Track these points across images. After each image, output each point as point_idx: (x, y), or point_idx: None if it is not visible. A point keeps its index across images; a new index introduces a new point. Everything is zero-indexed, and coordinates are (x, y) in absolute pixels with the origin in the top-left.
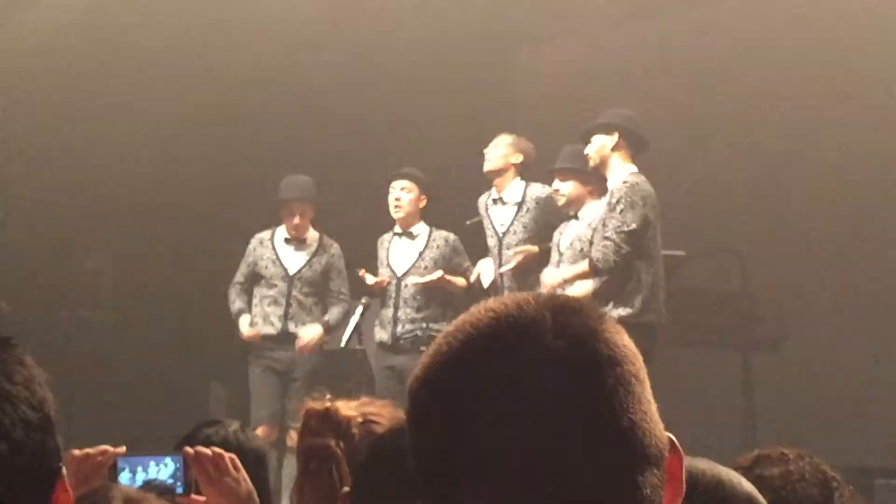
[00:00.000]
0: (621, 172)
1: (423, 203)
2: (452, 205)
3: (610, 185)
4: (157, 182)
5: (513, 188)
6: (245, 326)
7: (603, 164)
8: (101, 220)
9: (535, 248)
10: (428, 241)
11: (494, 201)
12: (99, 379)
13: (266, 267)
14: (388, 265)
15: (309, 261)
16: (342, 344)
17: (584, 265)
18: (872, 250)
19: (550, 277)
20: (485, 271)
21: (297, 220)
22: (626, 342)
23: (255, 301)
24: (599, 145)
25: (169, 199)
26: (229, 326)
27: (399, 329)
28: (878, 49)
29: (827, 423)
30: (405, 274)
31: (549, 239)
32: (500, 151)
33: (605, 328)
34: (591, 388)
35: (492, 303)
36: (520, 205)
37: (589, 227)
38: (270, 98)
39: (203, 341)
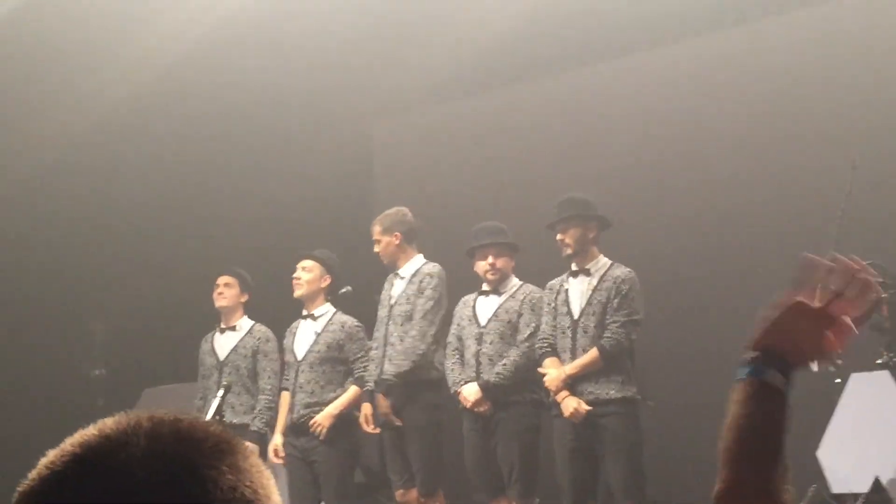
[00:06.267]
0: (605, 259)
1: (325, 283)
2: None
3: (595, 269)
4: None
5: (411, 264)
6: None
7: (584, 250)
8: None
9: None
10: (327, 323)
11: (395, 275)
12: None
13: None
14: (292, 350)
15: (235, 346)
16: None
17: (592, 354)
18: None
19: (555, 375)
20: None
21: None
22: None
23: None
24: (580, 234)
25: None
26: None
27: (295, 414)
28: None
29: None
30: (303, 359)
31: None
32: (387, 238)
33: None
34: None
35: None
36: (411, 278)
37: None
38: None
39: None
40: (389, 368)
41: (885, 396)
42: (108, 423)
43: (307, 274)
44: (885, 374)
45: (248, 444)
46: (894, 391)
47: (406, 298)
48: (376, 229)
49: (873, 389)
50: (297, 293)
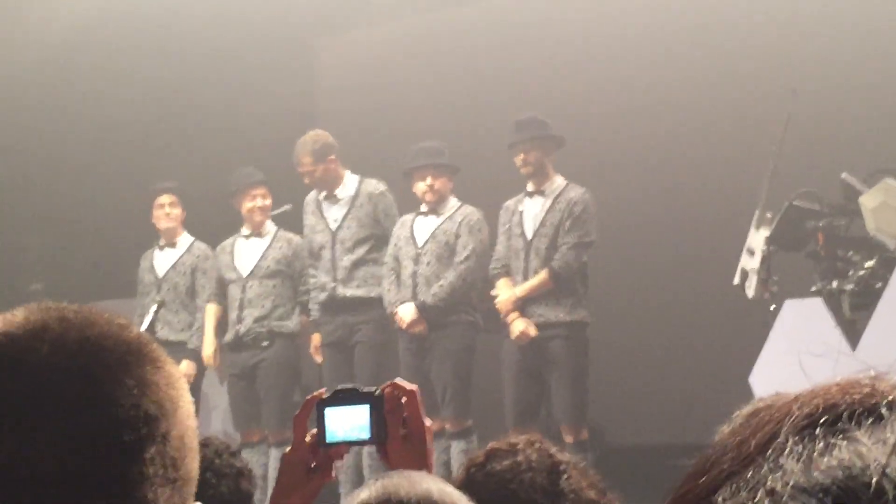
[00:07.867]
0: (560, 180)
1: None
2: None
3: (551, 190)
4: None
5: (348, 184)
6: None
7: (542, 171)
8: None
9: None
10: (272, 240)
11: (326, 198)
12: None
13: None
14: (234, 267)
15: (175, 263)
16: None
17: (542, 276)
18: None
19: (506, 296)
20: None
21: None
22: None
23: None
24: (540, 155)
25: None
26: None
27: (243, 328)
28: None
29: (618, 405)
30: (250, 275)
31: (382, 236)
32: (323, 165)
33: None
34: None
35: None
36: (353, 199)
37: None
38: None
39: None
40: (346, 291)
41: (817, 323)
42: (17, 319)
43: (266, 200)
44: (818, 301)
45: (184, 361)
46: (826, 318)
47: (357, 222)
48: (307, 160)
49: (806, 316)
50: (258, 219)
